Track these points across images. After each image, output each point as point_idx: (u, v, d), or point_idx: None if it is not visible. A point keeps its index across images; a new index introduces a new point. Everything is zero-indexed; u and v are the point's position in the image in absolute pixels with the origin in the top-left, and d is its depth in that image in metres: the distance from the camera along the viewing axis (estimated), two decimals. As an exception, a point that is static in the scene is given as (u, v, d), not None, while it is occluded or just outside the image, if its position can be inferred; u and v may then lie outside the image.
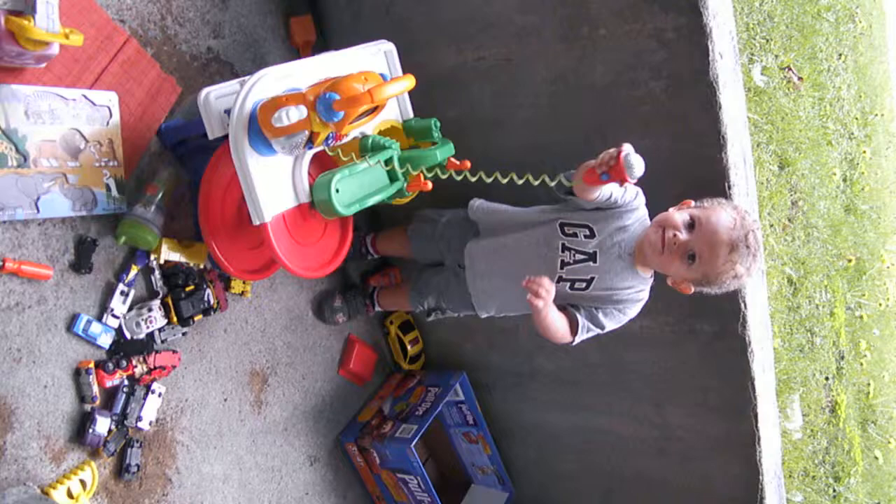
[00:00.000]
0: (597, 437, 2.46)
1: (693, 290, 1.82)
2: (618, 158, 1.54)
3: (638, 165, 1.55)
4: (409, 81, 1.64)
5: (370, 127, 1.87)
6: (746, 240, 1.70)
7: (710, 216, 1.74)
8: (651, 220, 1.87)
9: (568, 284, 1.93)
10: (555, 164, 2.06)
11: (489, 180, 1.65)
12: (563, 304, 1.96)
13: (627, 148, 1.55)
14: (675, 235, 1.75)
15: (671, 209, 1.82)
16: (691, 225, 1.75)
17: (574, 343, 1.96)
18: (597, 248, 1.89)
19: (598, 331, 1.96)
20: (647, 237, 1.81)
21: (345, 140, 1.73)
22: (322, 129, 1.56)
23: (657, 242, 1.78)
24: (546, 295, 1.78)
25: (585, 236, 1.89)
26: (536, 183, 1.63)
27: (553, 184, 1.63)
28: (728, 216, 1.72)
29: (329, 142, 1.62)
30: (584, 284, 1.92)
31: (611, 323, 1.95)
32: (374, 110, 1.64)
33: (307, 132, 1.54)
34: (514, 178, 1.63)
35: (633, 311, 1.95)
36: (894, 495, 4.75)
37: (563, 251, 1.91)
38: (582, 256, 1.90)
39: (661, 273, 1.87)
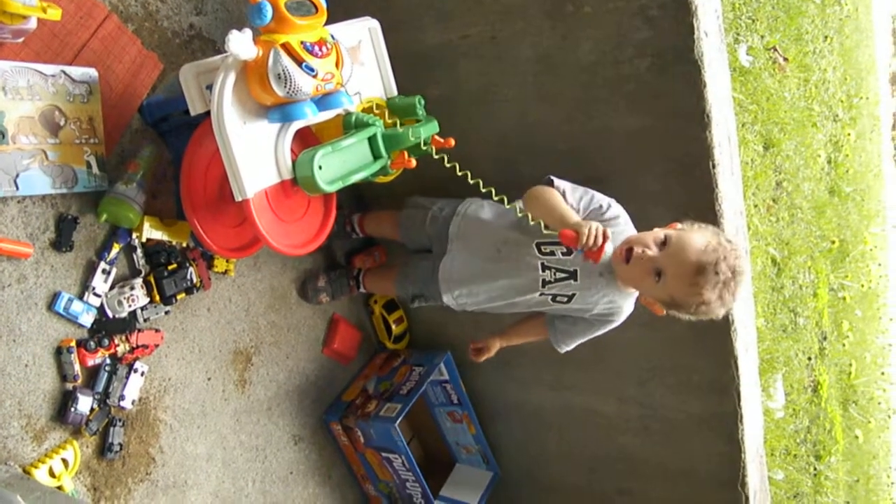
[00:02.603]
0: (581, 416, 2.48)
1: (665, 312, 1.81)
2: (600, 249, 1.67)
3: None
4: None
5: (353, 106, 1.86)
6: (716, 266, 1.66)
7: (683, 236, 1.72)
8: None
9: (550, 297, 1.95)
10: (539, 143, 2.07)
11: (459, 173, 1.75)
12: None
13: (609, 243, 1.69)
14: (643, 251, 1.74)
15: (656, 228, 1.81)
16: (664, 244, 1.74)
17: (562, 351, 2.06)
18: (577, 267, 1.88)
19: (579, 339, 2.03)
20: (614, 251, 1.79)
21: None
22: (275, 36, 1.52)
23: (620, 255, 1.77)
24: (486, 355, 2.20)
25: (563, 253, 1.89)
26: (496, 200, 1.79)
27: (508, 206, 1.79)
28: (702, 239, 1.70)
29: (313, 49, 1.57)
30: (565, 299, 1.94)
31: (590, 332, 2.00)
32: (317, 12, 1.59)
33: (279, 51, 1.51)
34: (481, 184, 1.77)
35: (615, 320, 1.97)
36: (873, 473, 4.82)
37: (543, 270, 1.92)
38: (563, 275, 1.90)
39: (633, 289, 1.88)
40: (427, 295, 2.20)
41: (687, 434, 2.27)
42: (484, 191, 1.79)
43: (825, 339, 4.35)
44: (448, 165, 1.77)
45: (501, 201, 1.80)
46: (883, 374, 5.35)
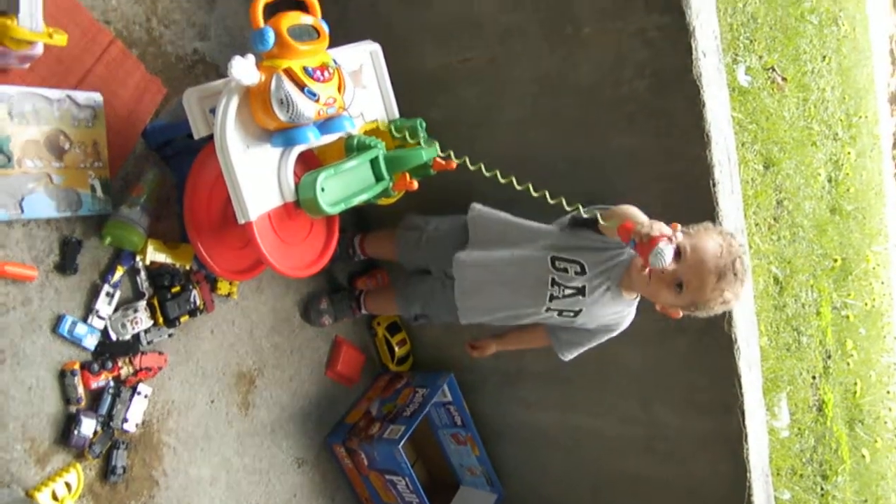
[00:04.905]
0: (585, 436, 2.47)
1: (682, 314, 1.82)
2: (653, 241, 1.59)
3: (666, 258, 1.60)
4: None
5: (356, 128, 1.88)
6: (734, 267, 1.70)
7: (696, 245, 1.72)
8: None
9: (556, 313, 1.97)
10: (539, 164, 2.08)
11: (502, 180, 1.77)
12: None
13: (667, 240, 1.60)
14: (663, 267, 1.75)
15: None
16: (678, 254, 1.72)
17: (566, 359, 2.08)
18: (586, 283, 1.90)
19: (584, 348, 2.06)
20: (635, 267, 1.83)
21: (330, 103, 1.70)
22: (278, 62, 1.55)
23: (639, 271, 1.80)
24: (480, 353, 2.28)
25: (576, 272, 1.90)
26: (553, 202, 1.74)
27: (570, 210, 1.76)
28: (715, 244, 1.72)
29: (315, 73, 1.59)
30: (571, 314, 1.96)
31: (594, 340, 2.03)
32: (319, 37, 1.63)
33: (281, 77, 1.53)
34: (531, 189, 1.77)
35: (619, 329, 2.00)
36: (882, 494, 4.77)
37: (552, 286, 1.93)
38: (571, 291, 1.92)
39: (649, 300, 1.88)
40: (430, 314, 2.20)
41: (691, 453, 2.26)
42: (536, 195, 1.77)
43: (829, 357, 4.33)
44: (503, 181, 1.80)
45: (560, 203, 1.78)
46: (889, 392, 5.32)
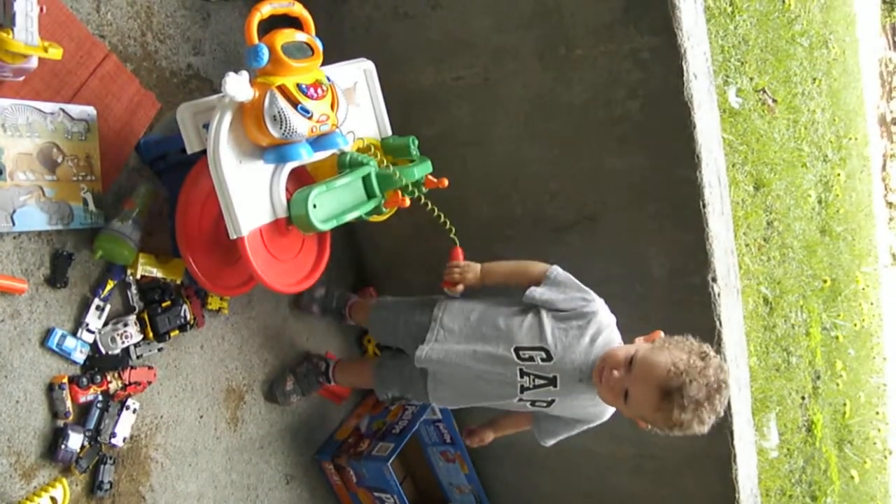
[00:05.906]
0: (575, 456, 2.46)
1: (647, 426, 1.75)
2: (444, 283, 1.94)
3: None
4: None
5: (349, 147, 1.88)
6: (682, 390, 1.58)
7: (647, 357, 1.66)
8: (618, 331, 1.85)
9: (529, 403, 1.90)
10: (531, 182, 2.09)
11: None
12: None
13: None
14: (611, 373, 1.70)
15: (638, 339, 1.79)
16: (631, 363, 1.68)
17: (547, 445, 2.05)
18: (557, 374, 1.82)
19: (563, 436, 2.01)
20: (595, 369, 1.76)
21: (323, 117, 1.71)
22: (272, 79, 1.56)
23: (598, 372, 1.75)
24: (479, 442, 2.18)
25: (542, 359, 1.83)
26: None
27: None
28: (667, 359, 1.63)
29: (308, 91, 1.60)
30: (544, 404, 1.89)
31: (574, 430, 1.98)
32: (313, 54, 1.64)
33: (275, 94, 1.54)
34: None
35: (597, 421, 1.95)
36: (871, 515, 4.78)
37: (521, 377, 1.85)
38: (542, 381, 1.84)
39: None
40: (409, 397, 2.15)
41: (680, 474, 2.25)
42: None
43: (819, 378, 4.35)
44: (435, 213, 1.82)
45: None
46: (878, 413, 5.35)
